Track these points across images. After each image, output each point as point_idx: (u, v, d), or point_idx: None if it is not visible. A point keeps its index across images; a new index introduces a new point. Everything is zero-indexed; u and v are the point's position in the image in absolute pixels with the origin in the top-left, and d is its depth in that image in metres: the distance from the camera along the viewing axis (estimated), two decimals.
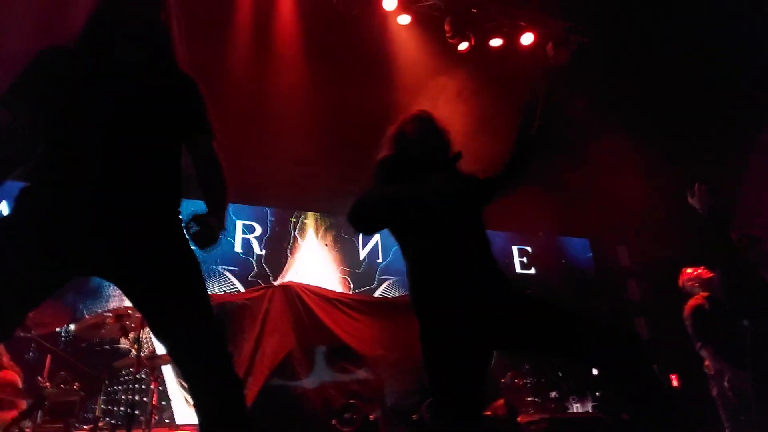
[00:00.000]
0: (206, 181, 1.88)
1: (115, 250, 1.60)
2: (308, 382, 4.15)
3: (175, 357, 1.68)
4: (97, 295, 5.19)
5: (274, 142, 6.23)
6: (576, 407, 5.90)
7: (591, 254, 8.22)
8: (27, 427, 3.18)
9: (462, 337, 1.88)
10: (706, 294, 4.33)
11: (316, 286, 4.94)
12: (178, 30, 1.87)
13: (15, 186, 1.64)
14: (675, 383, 6.61)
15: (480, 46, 6.06)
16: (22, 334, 3.18)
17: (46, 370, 3.50)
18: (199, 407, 1.64)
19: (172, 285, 1.66)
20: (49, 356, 3.56)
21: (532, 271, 7.88)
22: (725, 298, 3.50)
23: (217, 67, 5.51)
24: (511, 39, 6.18)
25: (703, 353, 4.19)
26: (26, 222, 1.55)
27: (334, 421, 3.73)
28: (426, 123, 2.25)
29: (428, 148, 2.18)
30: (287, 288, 4.63)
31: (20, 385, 3.44)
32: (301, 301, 4.54)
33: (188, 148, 1.86)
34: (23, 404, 3.35)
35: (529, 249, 7.99)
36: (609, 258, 7.62)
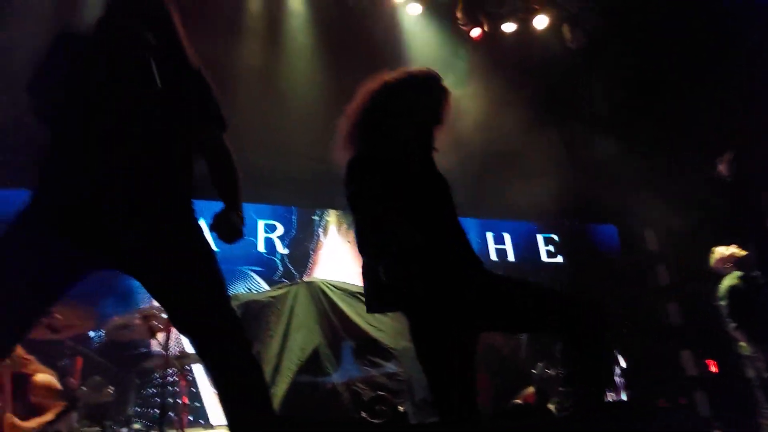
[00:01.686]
0: (219, 175, 1.89)
1: (131, 242, 1.62)
2: (336, 377, 4.15)
3: (196, 346, 1.70)
4: (127, 298, 5.27)
5: (290, 140, 6.25)
6: (611, 396, 5.79)
7: (618, 240, 8.07)
8: (62, 430, 3.24)
9: (442, 325, 1.87)
10: (740, 273, 4.21)
11: (339, 281, 4.93)
12: (182, 27, 1.87)
13: None
14: (713, 369, 6.43)
15: (493, 32, 6.00)
16: (52, 336, 3.23)
17: (77, 372, 3.56)
18: (222, 396, 1.65)
19: (188, 276, 1.68)
20: (80, 359, 3.62)
21: (559, 259, 7.77)
22: (759, 271, 3.40)
23: (229, 65, 5.54)
24: (525, 23, 6.09)
25: (738, 334, 4.08)
26: (41, 215, 1.58)
27: (363, 414, 3.72)
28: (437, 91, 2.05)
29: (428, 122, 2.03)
30: (310, 284, 4.64)
31: (58, 386, 3.49)
32: (324, 296, 4.54)
33: (199, 141, 1.87)
34: (58, 407, 3.41)
35: (555, 237, 7.87)
36: (636, 243, 7.45)
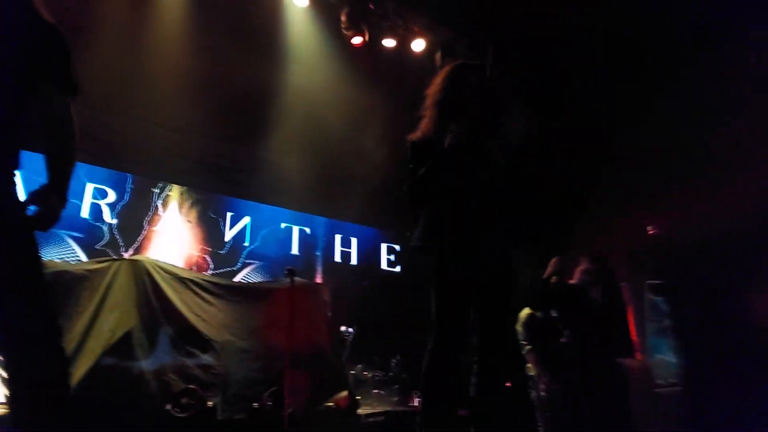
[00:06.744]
0: (55, 147, 1.63)
1: None
2: (147, 364, 3.90)
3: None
4: None
5: (148, 104, 5.79)
6: (417, 401, 6.21)
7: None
8: None
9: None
10: None
11: (169, 264, 4.66)
12: None
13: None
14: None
15: (373, 44, 6.11)
16: None
17: None
18: (12, 382, 1.47)
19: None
20: None
21: (398, 269, 8.16)
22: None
23: (92, 14, 4.99)
24: (404, 42, 6.30)
25: (528, 357, 4.65)
26: None
27: (168, 406, 3.56)
28: None
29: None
30: (136, 263, 4.32)
31: None
32: (150, 277, 4.25)
33: (39, 104, 1.62)
34: None
35: (397, 248, 8.25)
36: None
